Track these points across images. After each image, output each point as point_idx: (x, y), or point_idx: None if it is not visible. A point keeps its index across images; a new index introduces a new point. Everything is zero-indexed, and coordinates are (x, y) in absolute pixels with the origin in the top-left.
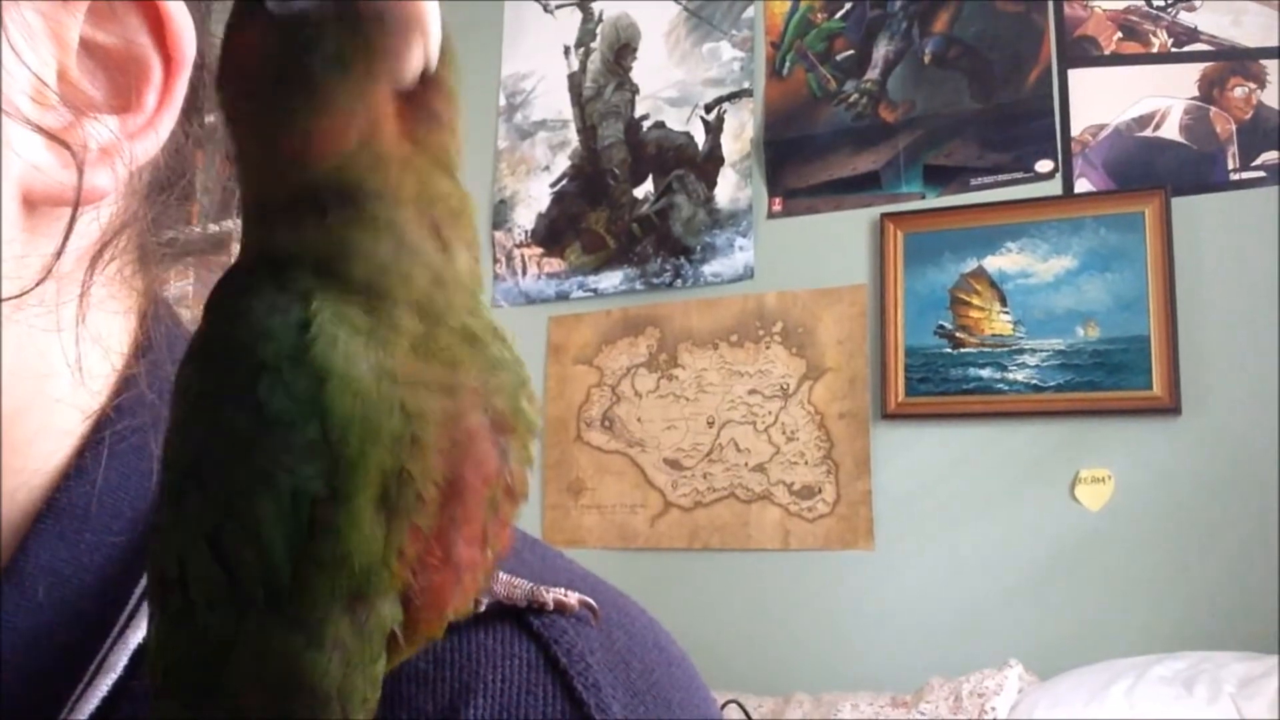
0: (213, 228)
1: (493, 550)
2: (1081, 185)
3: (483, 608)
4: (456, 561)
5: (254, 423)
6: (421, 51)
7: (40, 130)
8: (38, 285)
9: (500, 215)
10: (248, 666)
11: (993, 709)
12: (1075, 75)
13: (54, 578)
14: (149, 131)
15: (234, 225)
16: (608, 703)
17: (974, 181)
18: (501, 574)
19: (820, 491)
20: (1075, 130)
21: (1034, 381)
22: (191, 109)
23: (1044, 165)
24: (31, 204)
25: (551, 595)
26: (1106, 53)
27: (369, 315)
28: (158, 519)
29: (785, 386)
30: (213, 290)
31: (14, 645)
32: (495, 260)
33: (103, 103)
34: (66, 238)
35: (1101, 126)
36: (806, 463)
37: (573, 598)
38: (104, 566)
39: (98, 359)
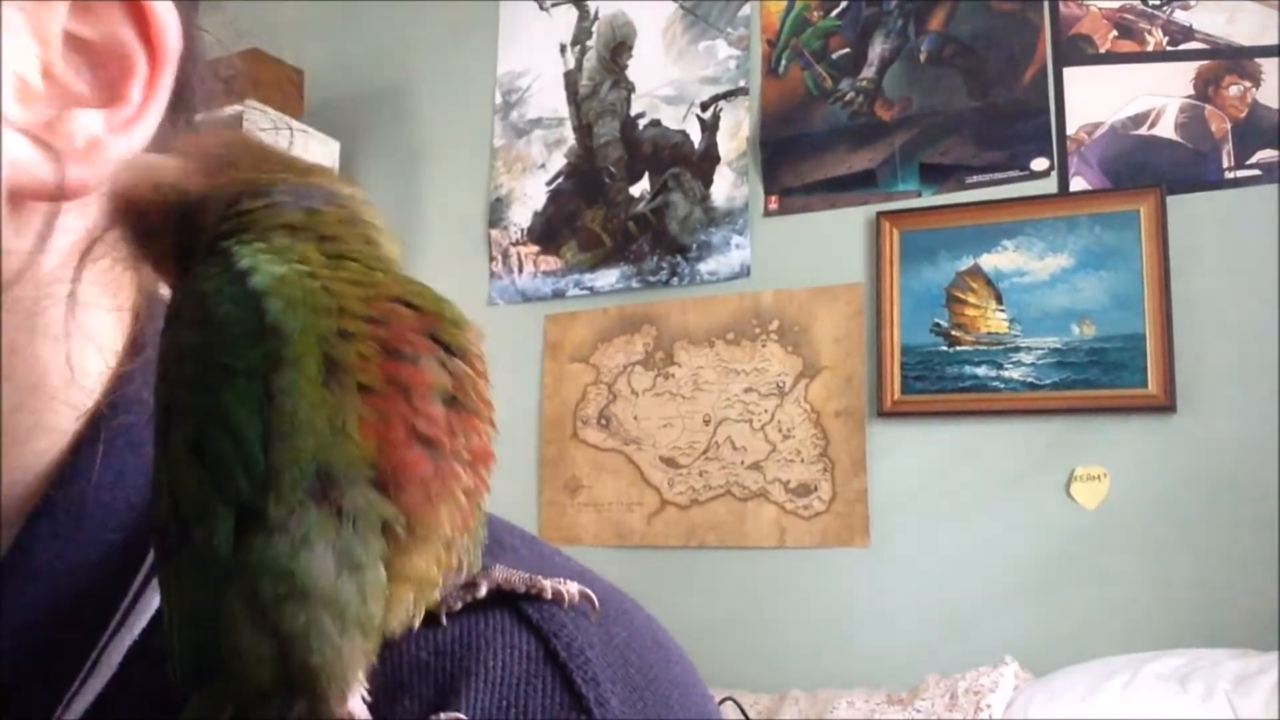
0: None
1: (465, 439)
2: (1077, 183)
3: (482, 593)
4: (424, 436)
5: (206, 335)
6: None
7: (22, 129)
8: (18, 280)
9: (496, 213)
10: (245, 588)
11: (988, 706)
12: (1070, 73)
13: (51, 576)
14: (135, 125)
15: None
16: (606, 697)
17: (969, 180)
18: (498, 565)
19: (816, 489)
20: (1071, 129)
21: (1029, 379)
22: (179, 103)
23: (1039, 163)
24: (16, 199)
25: (550, 584)
26: (1102, 51)
27: (290, 240)
28: (153, 470)
29: (781, 384)
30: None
31: (12, 643)
32: (491, 258)
33: (88, 97)
34: (51, 232)
35: (1097, 125)
36: (802, 460)
37: (572, 587)
38: (101, 563)
39: (91, 356)
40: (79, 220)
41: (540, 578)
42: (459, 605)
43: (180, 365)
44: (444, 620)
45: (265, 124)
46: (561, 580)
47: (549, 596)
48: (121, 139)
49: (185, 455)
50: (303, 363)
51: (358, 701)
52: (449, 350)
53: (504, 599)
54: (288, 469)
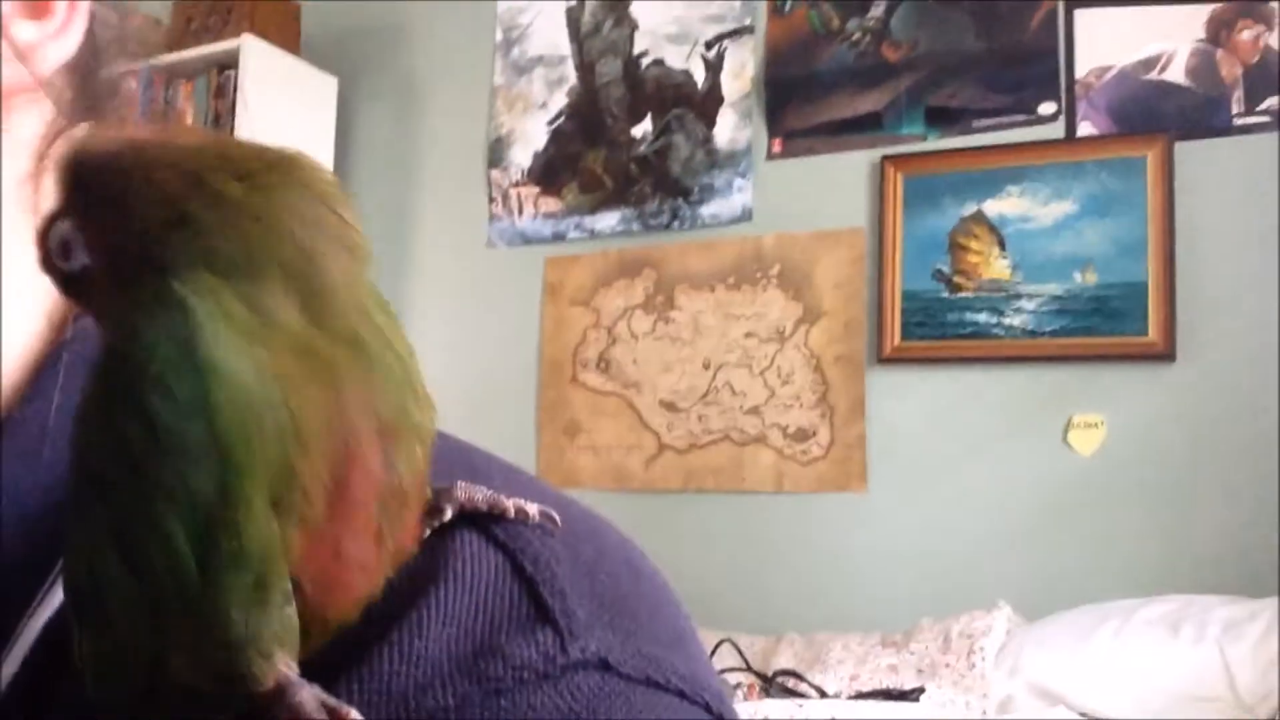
0: None
1: (393, 545)
2: (1084, 129)
3: (447, 516)
4: (347, 557)
5: (147, 433)
6: None
7: None
8: None
9: (496, 153)
10: (177, 667)
11: (981, 649)
12: (1082, 16)
13: (13, 493)
14: (64, 33)
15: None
16: (572, 608)
17: (976, 124)
18: (460, 482)
19: (815, 434)
20: (1080, 72)
21: (1030, 327)
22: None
23: (1047, 108)
24: None
25: (512, 503)
26: None
27: (248, 308)
28: (67, 530)
29: (782, 329)
30: (110, 301)
31: None
32: (491, 200)
33: (19, 9)
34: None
35: (1106, 69)
36: (801, 406)
37: (532, 507)
38: (63, 482)
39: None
40: (25, 130)
41: (502, 496)
42: (427, 532)
43: (108, 447)
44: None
45: (263, 58)
46: (523, 500)
47: (511, 514)
48: (55, 45)
49: (107, 551)
50: (251, 501)
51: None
52: (391, 459)
53: (470, 521)
54: (225, 589)
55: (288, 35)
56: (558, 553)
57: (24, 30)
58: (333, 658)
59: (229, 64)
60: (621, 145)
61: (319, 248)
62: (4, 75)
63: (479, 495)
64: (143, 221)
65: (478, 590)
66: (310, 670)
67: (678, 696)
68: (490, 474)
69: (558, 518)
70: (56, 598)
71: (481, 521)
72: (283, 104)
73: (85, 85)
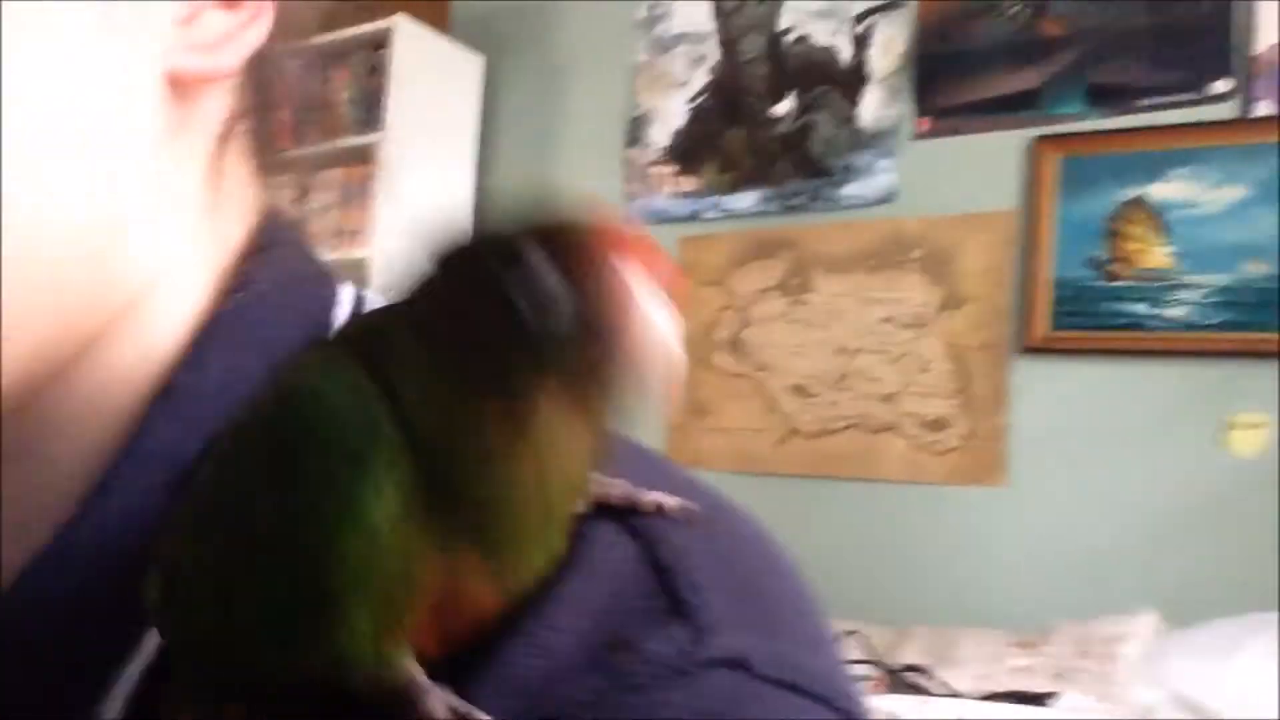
0: (355, 140)
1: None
2: (1260, 109)
3: (579, 508)
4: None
5: (272, 524)
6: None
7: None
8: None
9: (635, 132)
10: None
11: (1123, 655)
12: None
13: (171, 460)
14: (252, 24)
15: (377, 137)
16: (710, 604)
17: (1140, 103)
18: (597, 479)
19: (951, 425)
20: (1258, 48)
21: (1190, 319)
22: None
23: (1220, 86)
24: (180, 86)
25: (650, 497)
26: None
27: (414, 472)
28: (174, 517)
29: (921, 316)
30: (297, 352)
31: (118, 523)
32: (629, 178)
33: (207, 3)
34: (194, 116)
35: None
36: (939, 395)
37: (671, 501)
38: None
39: (216, 253)
40: (211, 117)
41: (639, 490)
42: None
43: (237, 507)
44: None
45: (413, 38)
46: (660, 494)
47: (646, 509)
48: (245, 35)
49: (206, 578)
50: (348, 616)
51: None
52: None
53: (605, 512)
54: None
55: (438, 15)
56: (694, 546)
57: (217, 20)
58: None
59: (381, 44)
60: (762, 124)
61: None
62: (194, 64)
63: (615, 490)
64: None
65: (611, 581)
66: (437, 660)
67: (815, 701)
68: (627, 459)
69: (696, 512)
70: None
71: (617, 511)
72: (431, 83)
73: (259, 71)
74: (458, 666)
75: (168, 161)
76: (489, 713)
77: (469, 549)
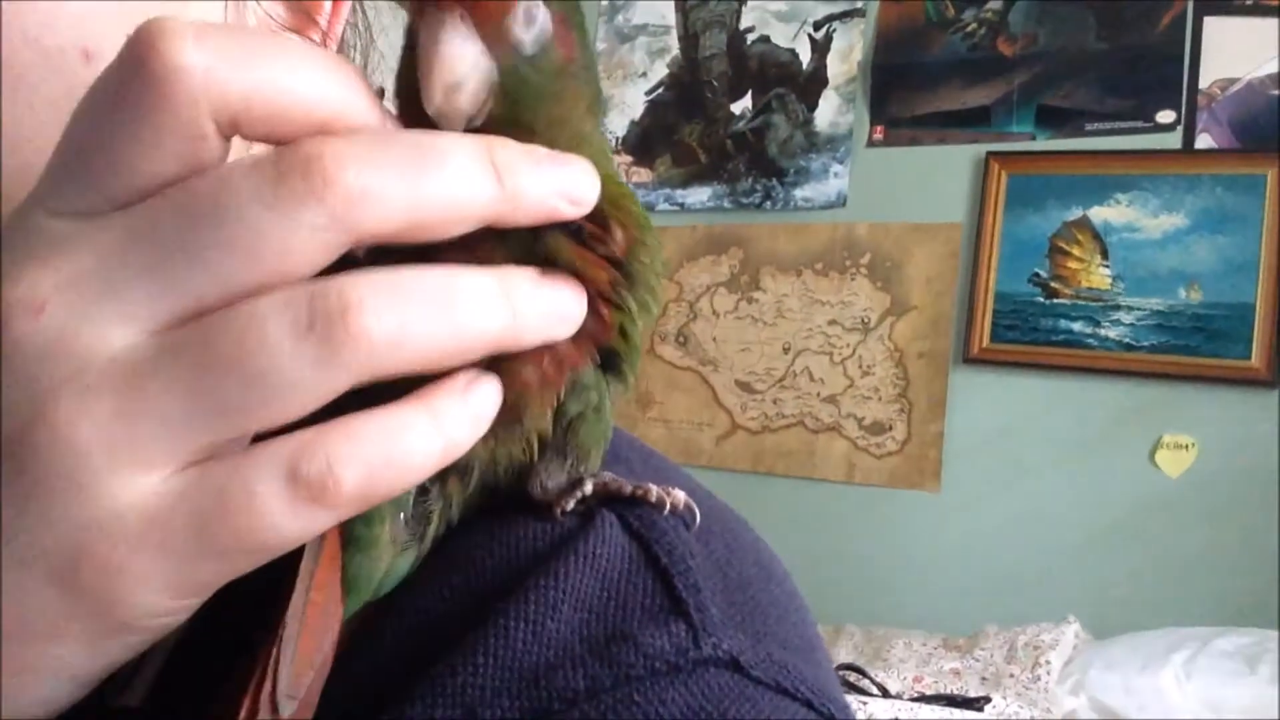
0: None
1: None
2: (1203, 141)
3: (588, 490)
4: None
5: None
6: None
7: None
8: None
9: None
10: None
11: (1047, 663)
12: (1212, 23)
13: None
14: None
15: None
16: (706, 604)
17: (1089, 126)
18: (604, 473)
19: (891, 429)
20: (1204, 82)
21: (1126, 340)
22: None
23: (1166, 116)
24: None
25: (657, 489)
26: (1249, 1)
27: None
28: None
29: (866, 320)
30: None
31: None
32: None
33: None
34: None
35: (1232, 80)
36: (880, 399)
37: (678, 495)
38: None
39: None
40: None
41: (648, 484)
42: (570, 504)
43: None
44: (559, 515)
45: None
46: (667, 488)
47: (654, 499)
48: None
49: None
50: None
51: None
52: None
53: (608, 504)
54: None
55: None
56: (691, 547)
57: None
58: (460, 606)
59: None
60: (719, 121)
61: None
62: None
63: (622, 481)
64: None
65: (609, 575)
66: (435, 617)
67: (804, 705)
68: (628, 457)
69: (696, 510)
70: None
71: (618, 504)
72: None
73: None
74: (450, 628)
75: None
76: (488, 692)
77: None
